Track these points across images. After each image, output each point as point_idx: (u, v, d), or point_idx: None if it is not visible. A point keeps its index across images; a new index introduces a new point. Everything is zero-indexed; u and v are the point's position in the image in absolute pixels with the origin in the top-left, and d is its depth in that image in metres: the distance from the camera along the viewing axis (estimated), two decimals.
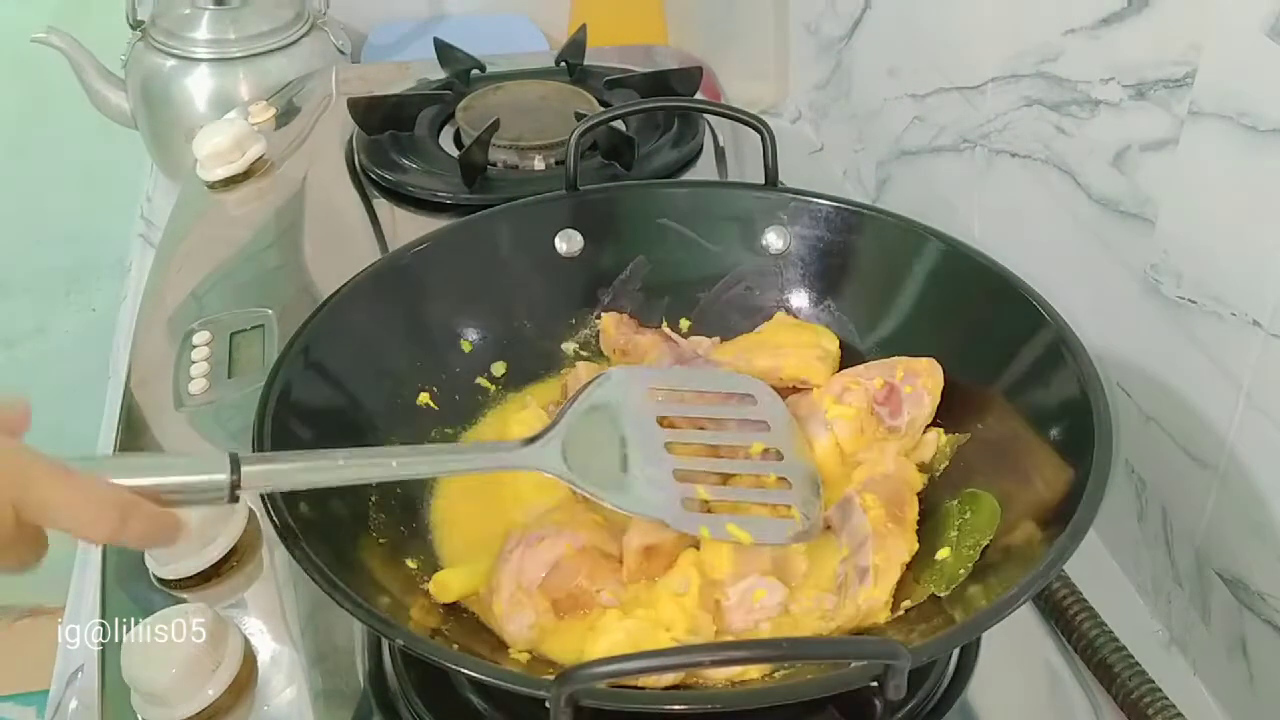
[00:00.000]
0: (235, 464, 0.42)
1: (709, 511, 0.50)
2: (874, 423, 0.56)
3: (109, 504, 0.41)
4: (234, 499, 0.43)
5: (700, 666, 0.38)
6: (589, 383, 0.53)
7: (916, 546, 0.51)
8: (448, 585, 0.51)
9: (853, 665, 0.40)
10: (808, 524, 0.51)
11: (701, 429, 0.54)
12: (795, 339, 0.62)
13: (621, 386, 0.53)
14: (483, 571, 0.51)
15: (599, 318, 0.65)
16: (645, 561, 0.51)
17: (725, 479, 0.53)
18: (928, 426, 0.57)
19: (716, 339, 0.64)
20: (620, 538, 0.51)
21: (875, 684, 0.39)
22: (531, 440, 0.50)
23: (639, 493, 0.50)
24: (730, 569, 0.49)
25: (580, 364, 0.63)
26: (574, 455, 0.49)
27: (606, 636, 0.47)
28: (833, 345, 0.62)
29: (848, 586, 0.49)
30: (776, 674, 0.44)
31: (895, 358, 0.58)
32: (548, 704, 0.38)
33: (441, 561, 0.53)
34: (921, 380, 0.57)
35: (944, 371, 0.58)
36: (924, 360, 0.57)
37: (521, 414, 0.59)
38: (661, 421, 0.53)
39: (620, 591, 0.50)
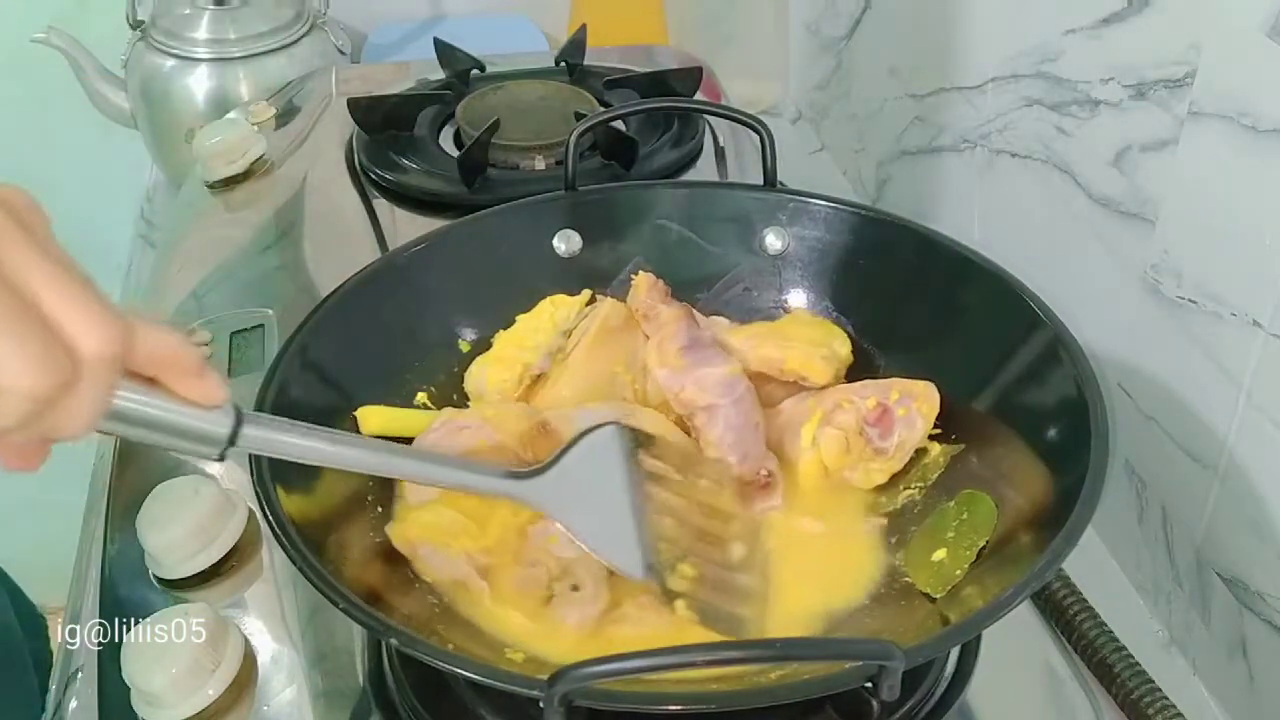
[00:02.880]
0: (238, 419, 0.39)
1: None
2: (861, 442, 0.56)
3: (119, 320, 0.33)
4: (221, 458, 0.39)
5: (694, 666, 0.38)
6: (592, 430, 0.52)
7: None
8: (369, 419, 0.55)
9: (847, 666, 0.40)
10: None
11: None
12: (807, 334, 0.61)
13: (613, 440, 0.52)
14: (405, 419, 0.55)
15: (633, 275, 0.64)
16: (542, 438, 0.54)
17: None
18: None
19: (735, 323, 0.64)
20: (536, 450, 0.54)
21: (870, 684, 0.39)
22: (528, 475, 0.49)
23: (618, 545, 0.49)
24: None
25: (605, 299, 0.63)
26: (568, 493, 0.49)
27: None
28: (844, 349, 0.61)
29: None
30: (773, 674, 0.44)
31: (893, 379, 0.58)
32: (541, 704, 0.38)
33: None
34: (916, 403, 0.56)
35: (943, 371, 0.58)
36: (921, 383, 0.57)
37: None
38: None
39: None
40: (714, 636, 0.48)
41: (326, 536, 0.49)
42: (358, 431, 0.55)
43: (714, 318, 0.64)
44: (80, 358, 0.32)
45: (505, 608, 0.49)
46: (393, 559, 0.51)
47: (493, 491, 0.48)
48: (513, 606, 0.49)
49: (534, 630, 0.49)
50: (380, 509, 0.53)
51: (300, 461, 0.44)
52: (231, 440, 0.39)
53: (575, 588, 0.50)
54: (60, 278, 0.32)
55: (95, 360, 0.32)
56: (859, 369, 0.61)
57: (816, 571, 0.52)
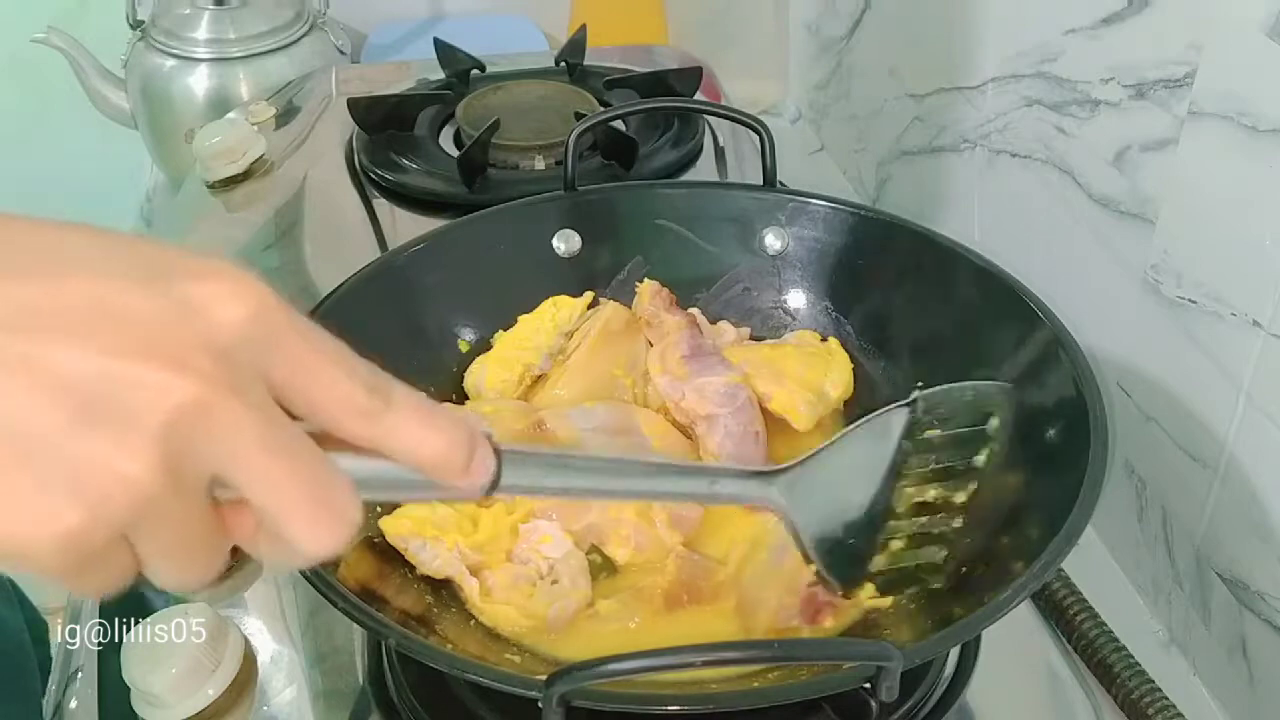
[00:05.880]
0: (499, 463, 0.34)
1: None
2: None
3: (461, 432, 0.29)
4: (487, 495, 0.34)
5: (692, 667, 0.38)
6: (866, 420, 0.47)
7: None
8: None
9: (845, 667, 0.40)
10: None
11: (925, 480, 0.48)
12: (801, 372, 0.60)
13: (896, 431, 0.47)
14: None
15: (640, 281, 0.64)
16: (537, 437, 0.54)
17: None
18: None
19: (746, 331, 0.64)
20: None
21: (869, 685, 0.39)
22: (780, 471, 0.44)
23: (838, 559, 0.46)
24: (544, 504, 0.52)
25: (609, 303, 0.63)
26: (806, 497, 0.44)
27: None
28: (836, 390, 0.60)
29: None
30: (771, 674, 0.44)
31: None
32: (540, 704, 0.38)
33: None
34: None
35: (942, 371, 0.57)
36: None
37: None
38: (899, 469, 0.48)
39: None
40: (698, 626, 0.49)
41: None
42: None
43: (719, 324, 0.64)
44: (299, 552, 0.28)
45: (494, 604, 0.49)
46: (390, 556, 0.51)
47: (735, 496, 0.43)
48: (502, 603, 0.49)
49: (525, 627, 0.49)
50: (378, 508, 0.53)
51: (558, 496, 0.44)
52: (494, 485, 0.34)
53: (554, 581, 0.50)
54: (284, 481, 0.27)
55: (311, 558, 0.29)
56: (860, 385, 0.61)
57: None
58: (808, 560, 0.46)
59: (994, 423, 0.48)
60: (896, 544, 0.48)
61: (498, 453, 0.33)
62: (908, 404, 0.47)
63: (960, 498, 0.48)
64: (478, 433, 0.31)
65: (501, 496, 0.37)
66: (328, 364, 0.29)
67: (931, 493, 0.48)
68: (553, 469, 0.37)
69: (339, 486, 0.28)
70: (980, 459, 0.48)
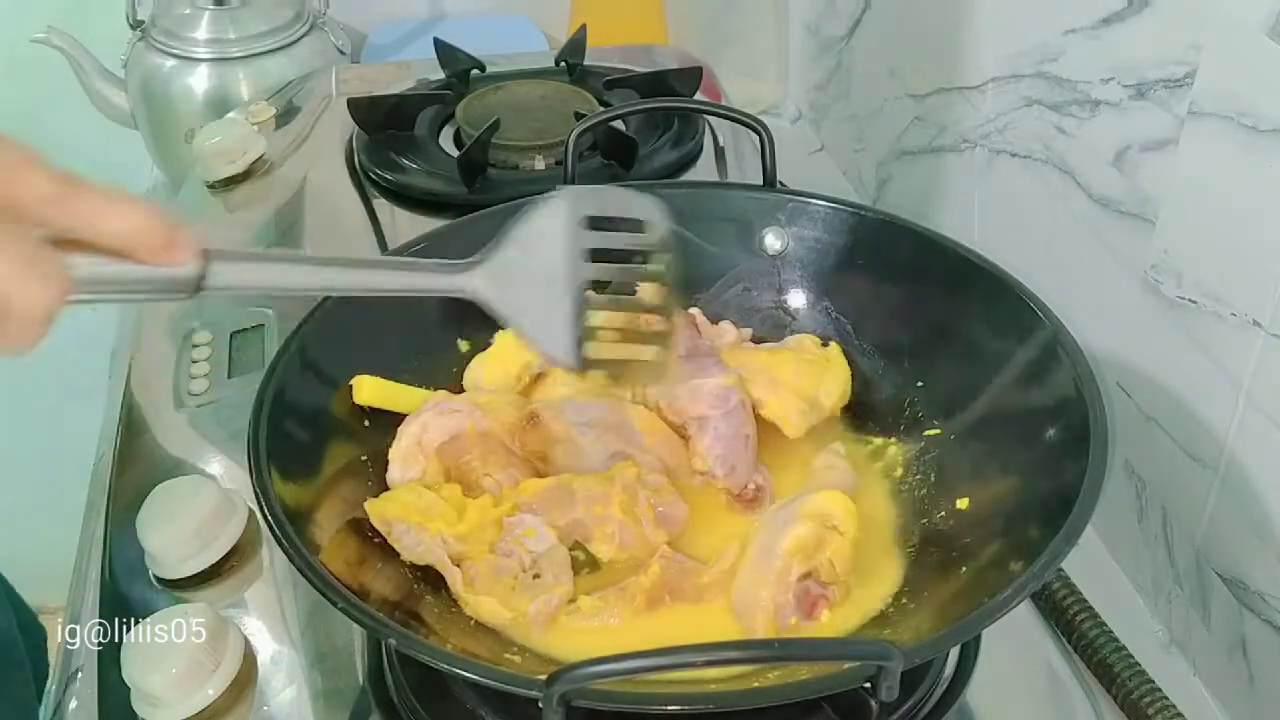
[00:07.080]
0: (206, 259, 0.39)
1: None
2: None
3: (157, 214, 0.35)
4: (196, 292, 0.39)
5: (693, 666, 0.38)
6: (533, 202, 0.49)
7: None
8: (363, 387, 0.56)
9: (845, 666, 0.40)
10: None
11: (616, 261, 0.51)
12: (796, 379, 0.60)
13: (563, 211, 0.49)
14: (398, 393, 0.57)
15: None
16: (530, 430, 0.55)
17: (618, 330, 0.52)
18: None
19: (748, 332, 0.64)
20: (524, 440, 0.55)
21: (869, 685, 0.39)
22: (466, 267, 0.47)
23: (551, 332, 0.48)
24: (530, 499, 0.52)
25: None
26: (507, 282, 0.47)
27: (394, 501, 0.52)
28: (830, 399, 0.60)
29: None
30: (771, 674, 0.44)
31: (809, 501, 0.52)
32: (540, 704, 0.38)
33: None
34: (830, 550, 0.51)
35: (942, 371, 0.58)
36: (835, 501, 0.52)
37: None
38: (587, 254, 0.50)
39: (505, 481, 0.53)
40: (679, 625, 0.49)
41: (326, 535, 0.49)
42: (351, 400, 0.56)
43: (721, 324, 0.64)
44: (9, 313, 0.33)
45: (477, 595, 0.49)
46: (391, 556, 0.51)
47: (434, 288, 0.47)
48: (485, 594, 0.49)
49: (507, 619, 0.49)
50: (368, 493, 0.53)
51: (266, 291, 0.44)
52: (200, 283, 0.38)
53: (536, 575, 0.50)
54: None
55: (23, 318, 0.34)
56: (860, 385, 0.61)
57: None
58: (530, 346, 0.49)
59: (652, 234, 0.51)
60: (609, 335, 0.50)
61: (206, 252, 0.38)
62: (555, 192, 0.49)
63: (659, 300, 0.52)
64: (180, 222, 0.36)
65: (220, 298, 0.42)
66: (21, 166, 0.32)
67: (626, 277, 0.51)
68: (261, 266, 0.40)
69: (50, 259, 0.33)
70: (660, 267, 0.51)
